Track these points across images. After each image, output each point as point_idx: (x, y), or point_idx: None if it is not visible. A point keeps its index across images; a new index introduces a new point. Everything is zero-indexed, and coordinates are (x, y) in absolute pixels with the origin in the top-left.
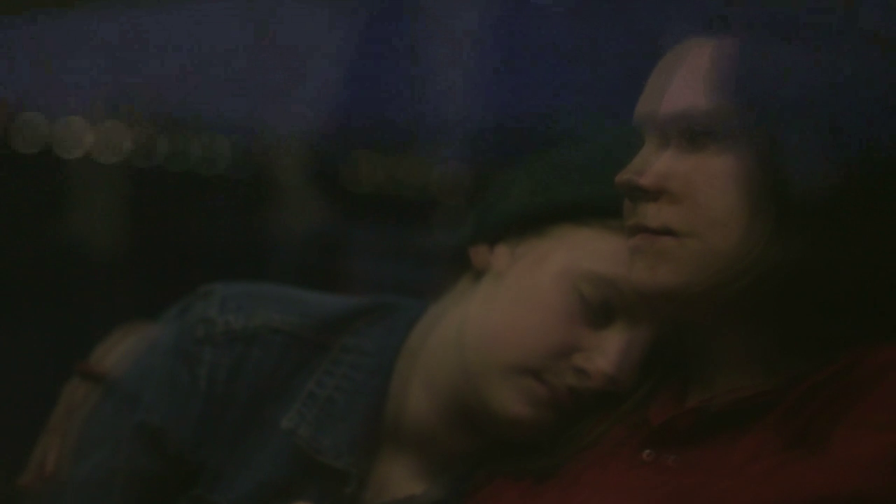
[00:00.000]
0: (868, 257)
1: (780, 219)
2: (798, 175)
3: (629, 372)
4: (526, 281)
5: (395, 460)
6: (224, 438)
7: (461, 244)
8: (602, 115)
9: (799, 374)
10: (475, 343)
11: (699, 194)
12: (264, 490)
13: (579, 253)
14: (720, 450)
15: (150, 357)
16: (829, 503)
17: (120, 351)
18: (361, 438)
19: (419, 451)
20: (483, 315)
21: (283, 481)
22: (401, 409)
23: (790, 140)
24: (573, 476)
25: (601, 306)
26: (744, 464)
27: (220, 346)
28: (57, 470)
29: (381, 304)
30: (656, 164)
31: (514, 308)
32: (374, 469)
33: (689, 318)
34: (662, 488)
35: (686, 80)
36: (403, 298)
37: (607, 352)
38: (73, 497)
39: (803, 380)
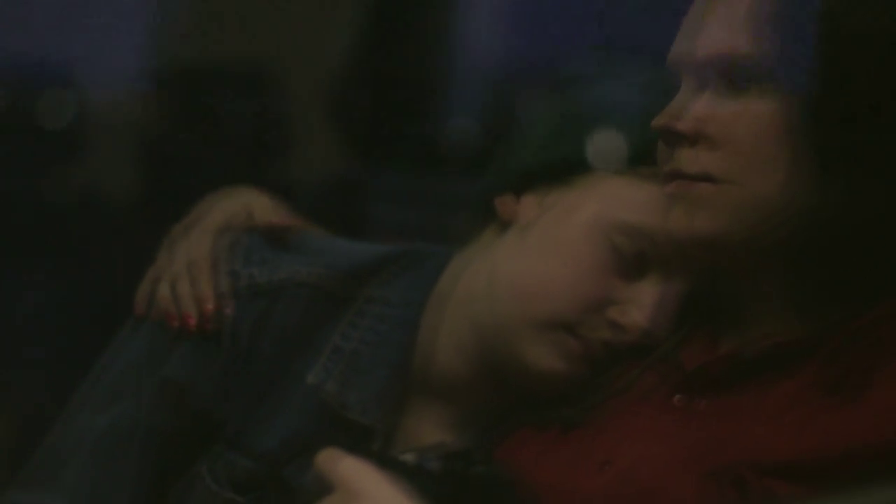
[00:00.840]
0: None
1: (823, 165)
2: (841, 121)
3: (664, 325)
4: (556, 233)
5: (423, 414)
6: (248, 394)
7: (486, 194)
8: (628, 55)
9: (834, 322)
10: (506, 297)
11: (739, 140)
12: (288, 446)
13: (611, 203)
14: (754, 396)
15: None
16: (868, 451)
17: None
18: (388, 393)
19: (447, 405)
20: (514, 268)
21: (308, 437)
22: (427, 363)
23: (834, 85)
24: (602, 423)
25: (635, 258)
26: (779, 411)
27: (244, 301)
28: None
29: (406, 253)
30: (694, 107)
31: (545, 261)
32: (401, 423)
33: (726, 266)
34: (695, 433)
35: (726, 20)
36: (429, 246)
37: (642, 304)
38: (92, 448)
39: (841, 327)
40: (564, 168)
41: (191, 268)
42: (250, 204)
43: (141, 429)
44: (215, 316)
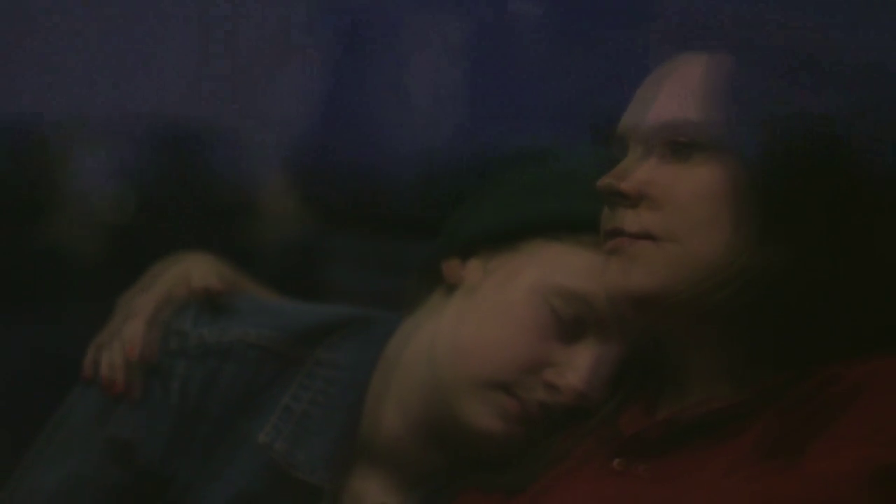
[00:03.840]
0: (847, 271)
1: (764, 229)
2: (784, 188)
3: (600, 388)
4: (498, 295)
5: (369, 476)
6: (195, 452)
7: (434, 258)
8: (577, 134)
9: (769, 387)
10: (446, 358)
11: (681, 200)
12: None
13: (551, 268)
14: (693, 461)
15: None
16: None
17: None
18: (336, 454)
19: (393, 467)
20: (454, 329)
21: (255, 496)
22: (375, 425)
23: (776, 154)
24: (543, 488)
25: (572, 321)
26: (719, 476)
27: (194, 360)
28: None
29: (356, 317)
30: (638, 170)
31: (485, 323)
32: (348, 484)
33: (664, 328)
34: (634, 498)
35: (675, 92)
36: (378, 312)
37: (578, 367)
38: None
39: (781, 393)
40: (508, 234)
41: (125, 334)
42: (191, 269)
43: (90, 486)
44: (139, 381)
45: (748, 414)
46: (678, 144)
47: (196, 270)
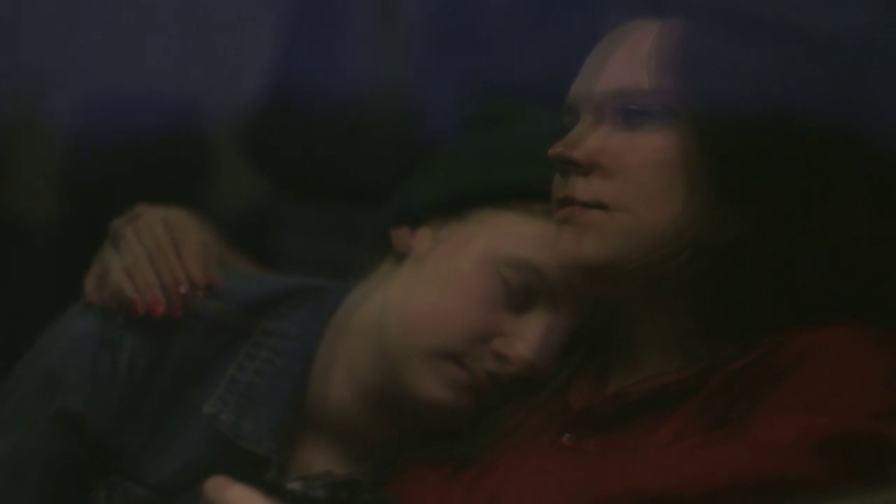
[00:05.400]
0: (798, 241)
1: (717, 198)
2: (736, 155)
3: (549, 358)
4: (447, 265)
5: (317, 446)
6: (144, 424)
7: (384, 226)
8: (527, 100)
9: (719, 360)
10: (395, 327)
11: (633, 170)
12: (183, 475)
13: (501, 237)
14: (641, 434)
15: (71, 341)
16: (751, 484)
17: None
18: (283, 424)
19: (341, 437)
20: (403, 299)
21: (204, 466)
22: (323, 395)
23: (730, 122)
24: (492, 461)
25: (522, 291)
26: (665, 446)
27: (142, 332)
28: None
29: (303, 286)
30: (590, 138)
31: (434, 292)
32: (295, 455)
33: (614, 299)
34: (582, 471)
35: (627, 59)
36: (326, 281)
37: (527, 337)
38: None
39: (725, 365)
40: (458, 202)
41: (153, 255)
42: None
43: (38, 457)
44: (183, 301)
45: (695, 388)
46: (630, 112)
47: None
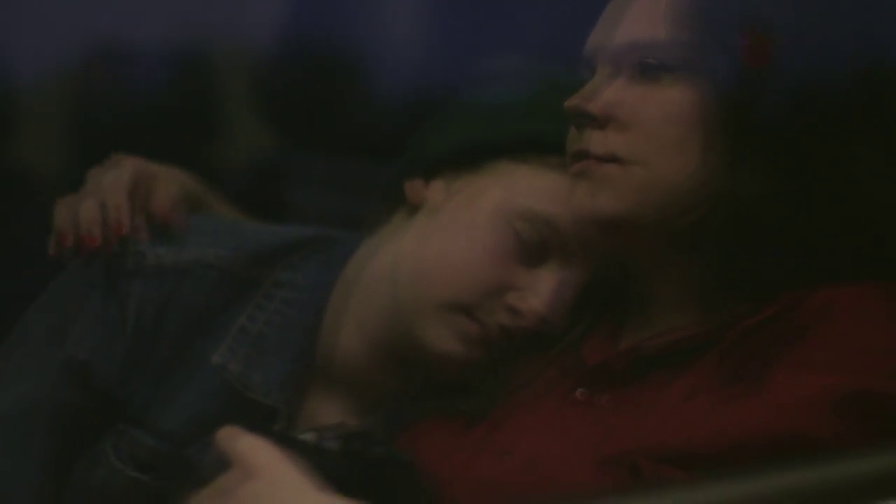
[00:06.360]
0: (815, 197)
1: (733, 153)
2: (754, 109)
3: (561, 312)
4: (460, 217)
5: (326, 398)
6: (152, 373)
7: (398, 178)
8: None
9: (735, 315)
10: (408, 279)
11: (649, 123)
12: (191, 425)
13: (516, 190)
14: (655, 389)
15: (79, 290)
16: (766, 441)
17: None
18: (292, 375)
19: (350, 389)
20: (416, 251)
21: (211, 416)
22: (333, 346)
23: (748, 74)
24: (504, 416)
25: (536, 245)
26: (678, 402)
27: (151, 281)
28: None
29: (315, 237)
30: (606, 91)
31: (447, 244)
32: (304, 406)
33: (629, 253)
34: (595, 426)
35: (643, 11)
36: (339, 232)
37: (540, 291)
38: None
39: (741, 320)
40: (473, 155)
41: (104, 195)
42: (160, 178)
43: (45, 407)
44: (120, 242)
45: (710, 343)
46: (647, 65)
47: (163, 185)
